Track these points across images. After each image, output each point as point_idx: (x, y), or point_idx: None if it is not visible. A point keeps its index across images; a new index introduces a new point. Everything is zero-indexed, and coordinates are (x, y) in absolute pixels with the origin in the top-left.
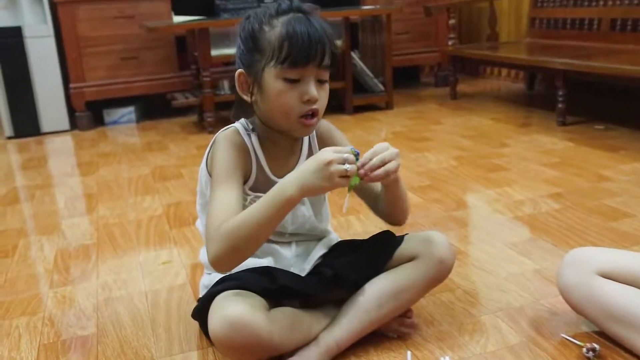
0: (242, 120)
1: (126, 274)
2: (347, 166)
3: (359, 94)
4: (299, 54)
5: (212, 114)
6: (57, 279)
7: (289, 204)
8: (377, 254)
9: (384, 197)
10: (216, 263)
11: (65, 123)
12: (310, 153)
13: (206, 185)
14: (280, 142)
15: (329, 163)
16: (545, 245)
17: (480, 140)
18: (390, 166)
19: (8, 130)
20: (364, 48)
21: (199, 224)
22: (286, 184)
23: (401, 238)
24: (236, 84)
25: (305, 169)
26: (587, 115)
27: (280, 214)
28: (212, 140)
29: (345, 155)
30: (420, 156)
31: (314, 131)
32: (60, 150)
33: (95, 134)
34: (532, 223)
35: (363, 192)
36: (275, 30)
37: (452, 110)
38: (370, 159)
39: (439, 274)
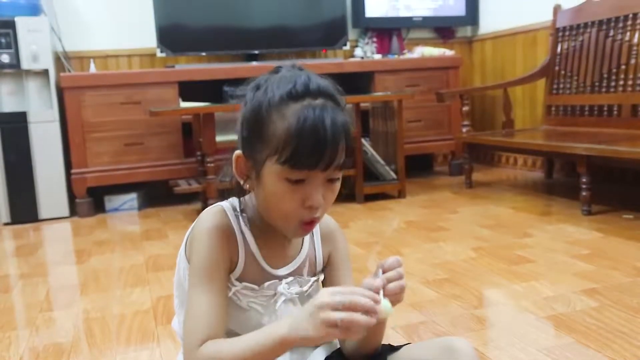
0: (233, 199)
1: None
2: (338, 315)
3: (370, 182)
4: (305, 158)
5: (215, 201)
6: None
7: (281, 346)
8: None
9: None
10: None
11: (64, 210)
12: (312, 247)
13: (184, 275)
14: (276, 229)
15: (322, 307)
16: (586, 352)
17: (500, 230)
18: (404, 282)
19: (5, 216)
20: (375, 135)
21: (176, 323)
22: (279, 323)
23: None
24: (233, 165)
25: (302, 310)
26: (612, 204)
27: (271, 355)
28: (194, 222)
29: (340, 297)
30: (435, 247)
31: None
32: (55, 237)
33: (94, 221)
34: (568, 324)
35: None
36: (283, 122)
37: (468, 199)
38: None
39: None
